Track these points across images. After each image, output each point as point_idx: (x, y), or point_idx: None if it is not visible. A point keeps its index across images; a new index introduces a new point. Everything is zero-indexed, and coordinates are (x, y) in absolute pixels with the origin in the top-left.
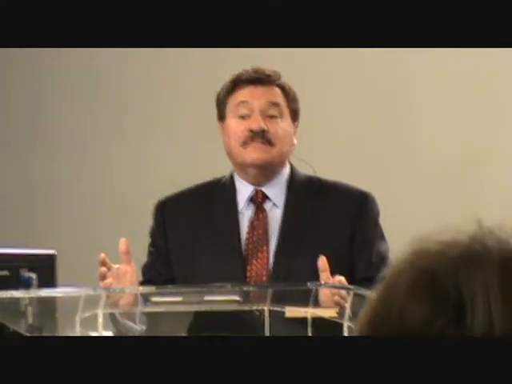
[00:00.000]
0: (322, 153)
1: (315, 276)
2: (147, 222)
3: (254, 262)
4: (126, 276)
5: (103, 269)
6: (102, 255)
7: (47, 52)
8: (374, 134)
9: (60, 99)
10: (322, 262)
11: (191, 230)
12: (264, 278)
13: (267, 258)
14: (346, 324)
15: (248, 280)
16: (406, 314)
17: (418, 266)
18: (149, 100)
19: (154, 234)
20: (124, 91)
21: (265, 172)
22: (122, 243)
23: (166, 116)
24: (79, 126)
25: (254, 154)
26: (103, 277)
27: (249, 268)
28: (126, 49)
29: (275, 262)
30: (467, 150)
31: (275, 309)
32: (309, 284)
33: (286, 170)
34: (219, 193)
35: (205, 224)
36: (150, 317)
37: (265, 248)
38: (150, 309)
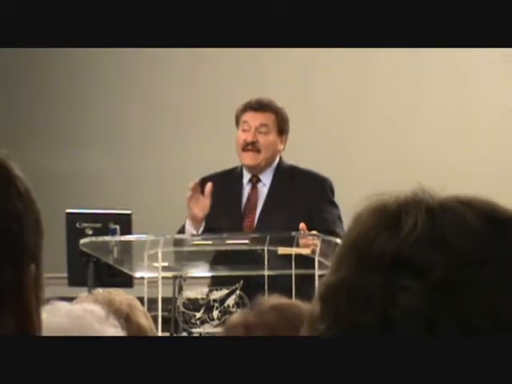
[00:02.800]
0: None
1: (284, 229)
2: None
3: (246, 219)
4: (200, 200)
5: (189, 193)
6: (191, 184)
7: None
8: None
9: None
10: (302, 225)
11: (216, 198)
12: (251, 230)
13: (254, 218)
14: (316, 258)
15: (243, 231)
16: (362, 229)
17: (370, 207)
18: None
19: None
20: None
21: (255, 170)
22: (192, 183)
23: (202, 122)
24: (140, 125)
25: (247, 160)
26: (191, 192)
27: (243, 223)
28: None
29: (258, 221)
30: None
31: (271, 248)
32: (293, 233)
33: (275, 162)
34: (233, 176)
35: (223, 195)
36: (192, 252)
37: (253, 211)
38: (192, 248)
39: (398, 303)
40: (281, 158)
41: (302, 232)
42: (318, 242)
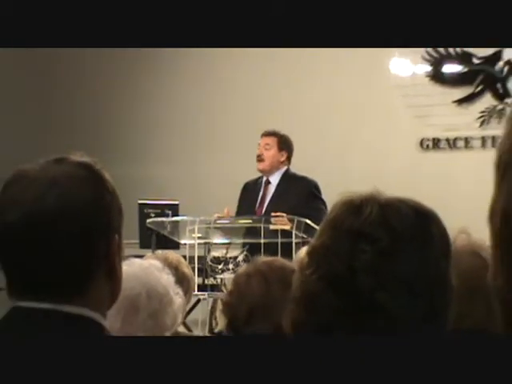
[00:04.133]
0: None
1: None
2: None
3: (259, 208)
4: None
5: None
6: (226, 211)
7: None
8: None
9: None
10: (273, 214)
11: (247, 195)
12: (261, 215)
13: (263, 208)
14: (293, 232)
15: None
16: (337, 213)
17: (342, 200)
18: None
19: (240, 196)
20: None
21: (264, 173)
22: (226, 210)
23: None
24: (187, 142)
25: (258, 166)
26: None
27: (257, 210)
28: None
29: (266, 209)
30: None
31: (266, 225)
32: (272, 219)
33: (283, 169)
34: (259, 181)
35: (251, 193)
36: (215, 228)
37: (263, 203)
38: (215, 225)
39: (359, 259)
40: (288, 169)
41: (280, 216)
42: (286, 222)
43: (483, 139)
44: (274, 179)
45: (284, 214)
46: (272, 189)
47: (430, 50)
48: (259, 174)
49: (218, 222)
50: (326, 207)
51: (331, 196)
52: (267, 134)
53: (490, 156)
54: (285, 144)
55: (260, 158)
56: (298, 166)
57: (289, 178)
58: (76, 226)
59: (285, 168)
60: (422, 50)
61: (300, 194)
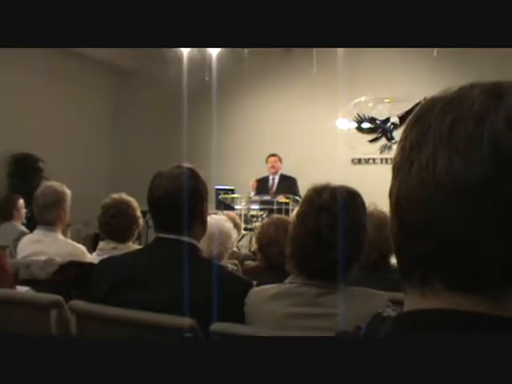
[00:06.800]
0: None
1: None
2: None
3: (270, 191)
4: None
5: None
6: (252, 182)
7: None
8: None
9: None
10: (282, 195)
11: (261, 185)
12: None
13: (272, 192)
14: (290, 203)
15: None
16: (310, 194)
17: (311, 187)
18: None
19: (256, 185)
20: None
21: (273, 174)
22: (252, 183)
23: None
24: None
25: (271, 170)
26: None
27: (269, 192)
28: None
29: (275, 192)
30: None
31: (276, 199)
32: (279, 196)
33: (280, 172)
34: (268, 177)
35: (266, 183)
36: (251, 202)
37: (270, 189)
38: (252, 200)
39: (322, 219)
40: (282, 172)
41: (283, 196)
42: (285, 198)
43: (381, 159)
44: (277, 176)
45: (286, 195)
46: (276, 181)
47: (355, 115)
48: (266, 174)
49: (252, 197)
50: (299, 190)
51: (303, 187)
52: (273, 155)
53: (386, 168)
54: (280, 159)
55: (273, 167)
56: (287, 171)
57: (283, 176)
58: (186, 198)
59: (281, 171)
60: (353, 116)
61: (289, 184)
